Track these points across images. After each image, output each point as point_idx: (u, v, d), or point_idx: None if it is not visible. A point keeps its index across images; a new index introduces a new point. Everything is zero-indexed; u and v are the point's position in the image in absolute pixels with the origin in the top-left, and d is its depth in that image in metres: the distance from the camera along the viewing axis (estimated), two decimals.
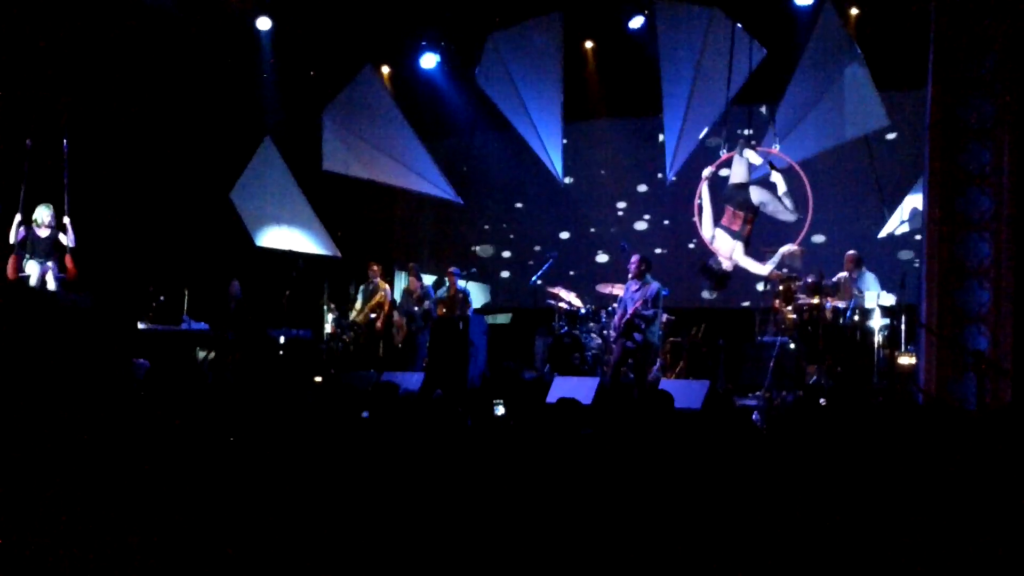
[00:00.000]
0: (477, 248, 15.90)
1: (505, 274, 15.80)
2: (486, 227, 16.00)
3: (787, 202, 10.15)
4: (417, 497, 4.08)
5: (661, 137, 13.70)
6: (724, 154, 10.62)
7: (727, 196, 10.28)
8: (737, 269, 10.32)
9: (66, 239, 11.29)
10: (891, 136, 12.95)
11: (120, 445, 4.76)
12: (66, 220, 11.32)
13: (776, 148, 10.77)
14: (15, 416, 5.33)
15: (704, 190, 10.52)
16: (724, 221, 10.25)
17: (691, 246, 14.26)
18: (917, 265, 9.03)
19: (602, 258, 14.93)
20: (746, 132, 10.82)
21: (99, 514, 4.00)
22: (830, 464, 4.32)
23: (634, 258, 11.28)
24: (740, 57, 11.13)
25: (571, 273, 14.49)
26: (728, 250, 10.22)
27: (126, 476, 4.32)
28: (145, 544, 3.84)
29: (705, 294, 11.36)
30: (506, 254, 15.86)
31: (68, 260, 11.31)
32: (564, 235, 15.32)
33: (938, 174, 8.74)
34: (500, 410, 8.79)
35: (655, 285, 11.09)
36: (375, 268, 14.01)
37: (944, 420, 5.42)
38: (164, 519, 3.98)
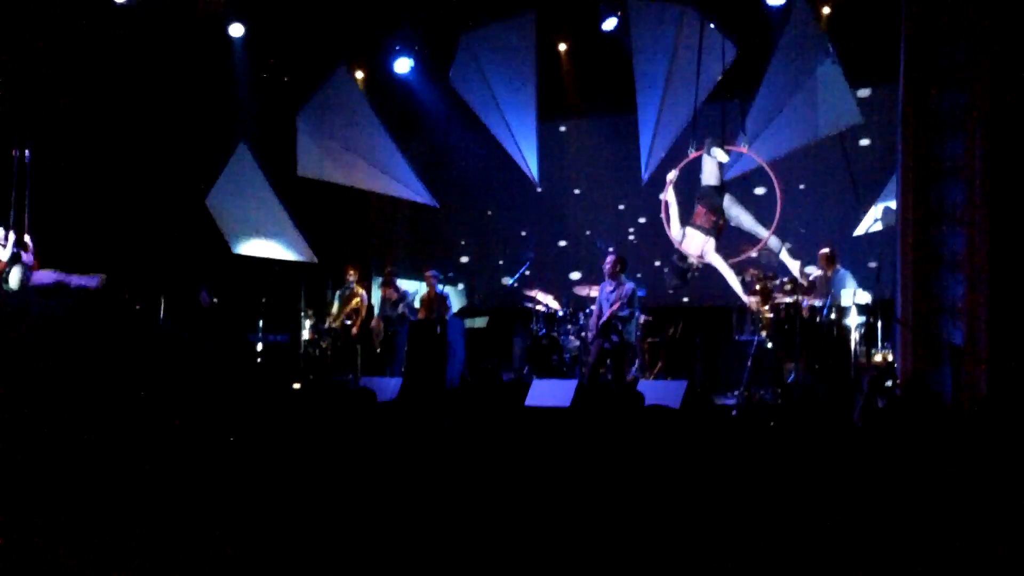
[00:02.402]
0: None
1: (480, 276, 15.76)
2: (462, 229, 15.96)
3: (746, 219, 10.22)
4: (396, 499, 4.06)
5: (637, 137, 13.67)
6: (692, 153, 10.58)
7: (699, 195, 10.28)
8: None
9: (26, 257, 10.94)
10: (865, 135, 12.96)
11: (116, 445, 4.74)
12: (26, 238, 11.07)
13: (745, 148, 10.75)
14: (11, 417, 5.31)
15: (670, 192, 10.50)
16: (695, 219, 10.26)
17: (668, 246, 14.25)
18: (893, 260, 9.02)
19: (577, 258, 14.90)
20: (708, 137, 10.73)
21: (96, 514, 3.98)
22: (815, 461, 4.32)
23: (609, 258, 11.26)
24: (712, 56, 11.11)
25: (547, 274, 14.46)
26: (699, 247, 10.22)
27: (121, 476, 4.30)
28: (141, 544, 3.81)
29: (671, 291, 11.36)
30: (482, 256, 15.83)
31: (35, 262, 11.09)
32: (539, 236, 15.28)
33: (911, 166, 8.76)
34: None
35: (630, 285, 11.08)
36: (352, 272, 13.94)
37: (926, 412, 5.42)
38: (156, 519, 3.95)
